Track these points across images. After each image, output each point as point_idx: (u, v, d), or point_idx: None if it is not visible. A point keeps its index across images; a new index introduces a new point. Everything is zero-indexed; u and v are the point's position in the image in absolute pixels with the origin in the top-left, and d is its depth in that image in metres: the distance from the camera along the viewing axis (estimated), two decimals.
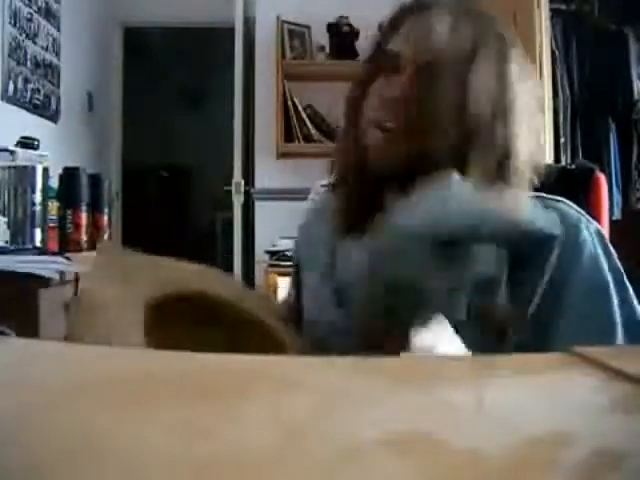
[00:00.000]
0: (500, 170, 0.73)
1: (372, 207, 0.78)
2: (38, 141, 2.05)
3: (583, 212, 0.77)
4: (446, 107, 0.72)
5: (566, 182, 1.01)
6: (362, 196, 0.80)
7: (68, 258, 1.47)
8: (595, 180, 0.99)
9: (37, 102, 2.88)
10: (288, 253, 2.74)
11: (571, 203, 0.77)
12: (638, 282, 0.82)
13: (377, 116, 0.76)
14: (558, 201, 0.77)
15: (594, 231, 0.75)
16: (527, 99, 0.75)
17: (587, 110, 2.86)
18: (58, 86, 3.15)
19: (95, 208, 1.97)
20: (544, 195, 0.77)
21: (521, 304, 0.70)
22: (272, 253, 3.09)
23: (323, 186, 0.94)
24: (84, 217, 1.86)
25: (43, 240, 1.67)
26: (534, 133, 0.76)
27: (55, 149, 2.71)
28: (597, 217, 0.97)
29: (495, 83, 0.73)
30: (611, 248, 0.75)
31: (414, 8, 0.79)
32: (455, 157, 0.71)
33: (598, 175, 1.00)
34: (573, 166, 1.21)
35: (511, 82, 0.74)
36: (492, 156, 0.73)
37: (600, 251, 0.73)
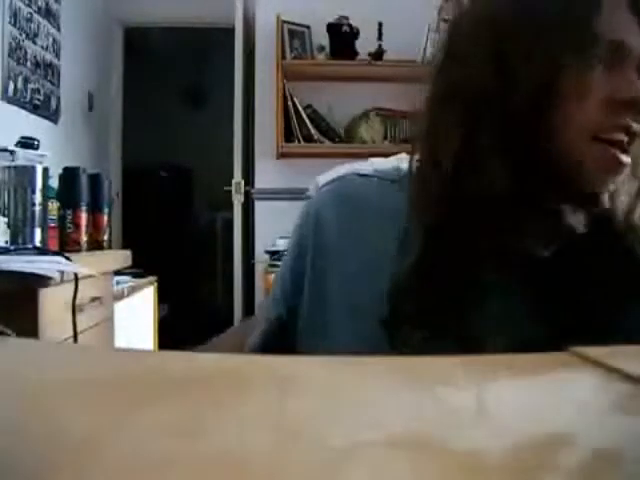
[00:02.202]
0: None
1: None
2: (38, 141, 2.05)
3: None
4: None
5: None
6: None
7: (68, 258, 1.47)
8: None
9: (37, 102, 2.88)
10: None
11: None
12: None
13: (607, 126, 0.59)
14: None
15: None
16: None
17: None
18: (58, 86, 3.15)
19: (95, 208, 1.97)
20: None
21: None
22: (272, 253, 3.09)
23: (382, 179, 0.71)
24: (84, 217, 1.86)
25: (43, 240, 1.67)
26: None
27: (55, 149, 2.71)
28: None
29: None
30: None
31: None
32: None
33: None
34: None
35: None
36: None
37: None
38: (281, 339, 0.74)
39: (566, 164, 0.60)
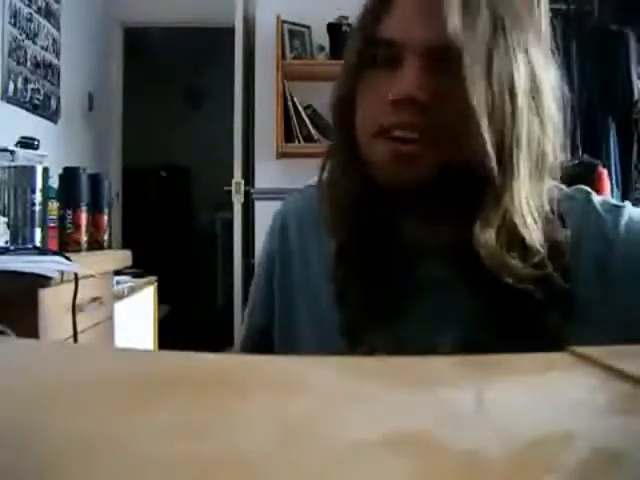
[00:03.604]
0: (540, 168, 0.62)
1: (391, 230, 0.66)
2: (38, 141, 2.05)
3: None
4: (479, 104, 0.58)
5: (568, 178, 1.01)
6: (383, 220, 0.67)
7: (68, 258, 1.47)
8: (597, 176, 0.99)
9: (37, 102, 2.88)
10: None
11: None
12: None
13: (386, 123, 0.61)
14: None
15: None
16: (550, 84, 0.64)
17: (587, 110, 2.86)
18: (58, 86, 3.14)
19: (95, 208, 1.97)
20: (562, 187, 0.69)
21: None
22: None
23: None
24: (84, 217, 1.86)
25: (43, 240, 1.67)
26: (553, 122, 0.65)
27: (55, 149, 2.70)
28: None
29: (523, 68, 0.61)
30: None
31: None
32: (500, 163, 0.59)
33: (600, 170, 0.99)
34: (576, 161, 1.21)
35: (536, 67, 0.63)
36: (532, 152, 0.62)
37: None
38: (261, 344, 0.78)
39: (366, 160, 0.63)
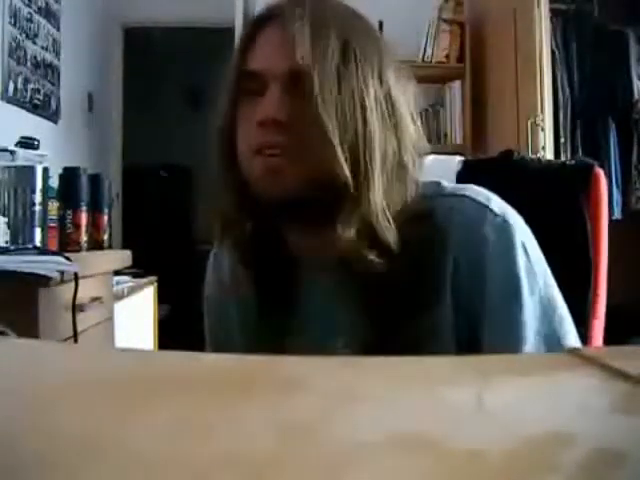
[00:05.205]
0: (398, 172, 0.70)
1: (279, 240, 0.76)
2: (38, 141, 2.04)
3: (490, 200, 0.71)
4: (329, 121, 0.65)
5: (565, 178, 1.01)
6: (266, 233, 0.76)
7: (68, 258, 1.47)
8: (594, 176, 0.98)
9: (37, 102, 2.88)
10: None
11: (480, 190, 0.73)
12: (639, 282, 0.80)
13: (256, 143, 0.69)
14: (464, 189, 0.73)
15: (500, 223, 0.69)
16: (406, 100, 0.71)
17: (587, 110, 2.86)
18: (58, 86, 3.14)
19: (95, 208, 1.96)
20: (450, 185, 0.75)
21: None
22: None
23: None
24: (84, 217, 1.86)
25: (43, 240, 1.67)
26: (410, 131, 0.72)
27: (55, 149, 2.70)
28: (596, 213, 0.96)
29: (375, 88, 0.68)
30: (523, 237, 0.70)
31: (267, 18, 0.72)
32: (355, 173, 0.66)
33: (597, 170, 0.99)
34: (573, 162, 1.21)
35: (390, 86, 0.70)
36: (388, 161, 0.69)
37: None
38: None
39: (246, 176, 0.71)
